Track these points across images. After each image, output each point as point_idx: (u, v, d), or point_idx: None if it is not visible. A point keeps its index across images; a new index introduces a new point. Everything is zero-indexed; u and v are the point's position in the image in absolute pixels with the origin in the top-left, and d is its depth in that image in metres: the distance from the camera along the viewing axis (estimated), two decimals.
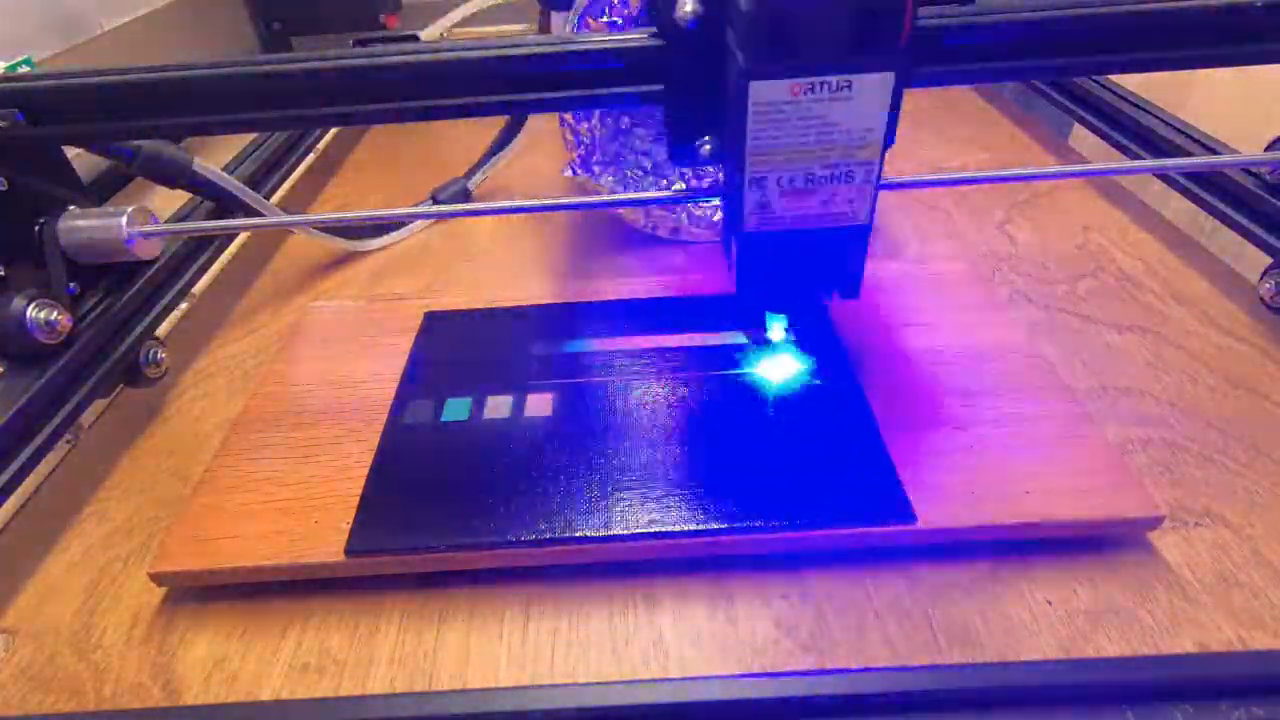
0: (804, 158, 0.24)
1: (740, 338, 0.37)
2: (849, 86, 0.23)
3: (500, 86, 0.28)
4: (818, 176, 0.25)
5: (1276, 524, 0.30)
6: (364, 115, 0.29)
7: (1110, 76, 0.54)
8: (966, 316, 0.38)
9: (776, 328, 0.33)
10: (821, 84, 0.23)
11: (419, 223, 0.54)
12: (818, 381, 0.34)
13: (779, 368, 0.35)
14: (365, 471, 0.31)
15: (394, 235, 0.52)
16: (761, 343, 0.35)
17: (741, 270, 0.28)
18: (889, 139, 0.25)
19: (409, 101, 0.28)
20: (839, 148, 0.24)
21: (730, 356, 0.36)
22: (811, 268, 0.28)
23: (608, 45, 0.27)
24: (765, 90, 0.23)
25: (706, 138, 0.27)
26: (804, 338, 0.37)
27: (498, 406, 0.34)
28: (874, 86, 0.23)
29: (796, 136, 0.24)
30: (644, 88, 0.27)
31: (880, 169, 0.25)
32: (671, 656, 0.27)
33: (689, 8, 0.24)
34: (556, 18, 0.47)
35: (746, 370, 0.35)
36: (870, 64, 0.22)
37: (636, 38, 0.27)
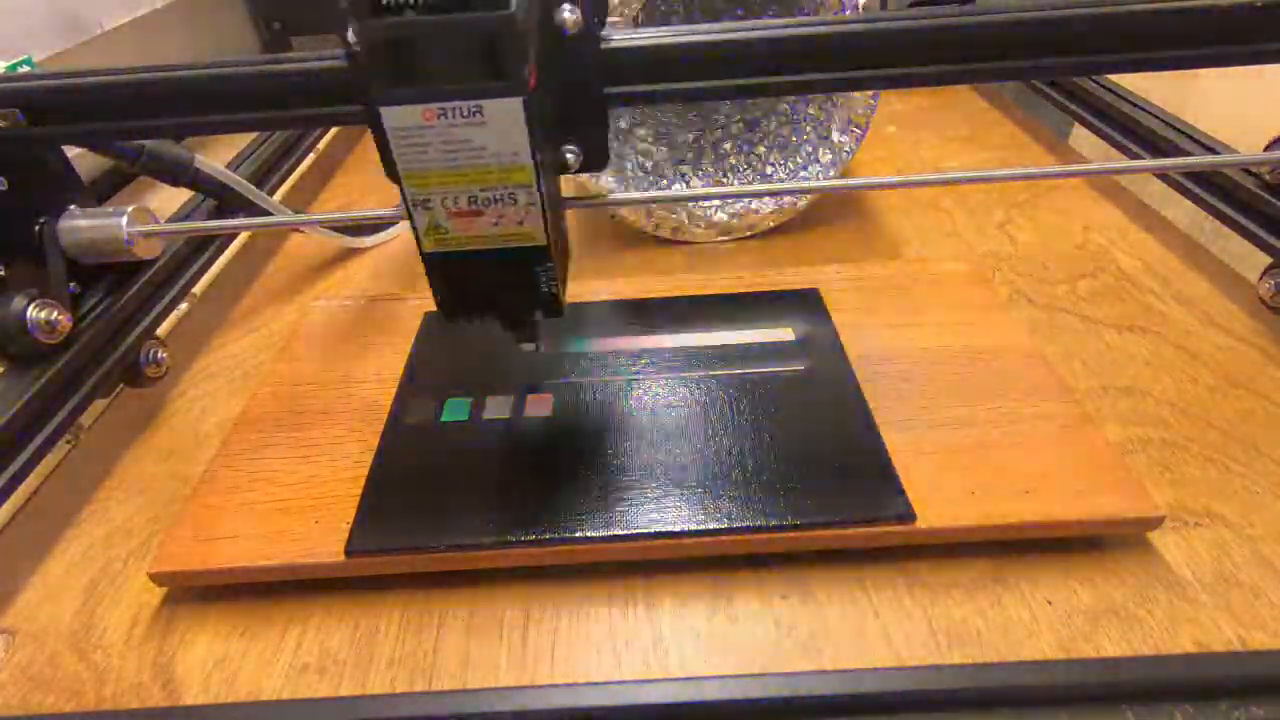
0: (460, 180, 0.24)
1: (740, 338, 0.37)
2: (480, 112, 0.23)
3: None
4: (481, 198, 0.25)
5: (1276, 524, 0.30)
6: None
7: (1110, 76, 0.54)
8: (966, 316, 0.38)
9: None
10: (452, 109, 0.23)
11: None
12: (818, 381, 0.34)
13: (780, 368, 0.35)
14: (365, 471, 0.31)
15: (391, 231, 0.53)
16: (752, 342, 0.35)
17: (437, 292, 0.28)
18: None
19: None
20: (493, 170, 0.24)
21: (731, 357, 0.36)
22: (507, 286, 0.28)
23: (306, 68, 0.27)
24: (398, 115, 0.23)
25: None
26: (805, 338, 0.37)
27: (498, 406, 0.34)
28: (505, 111, 0.23)
29: (445, 159, 0.24)
30: (342, 109, 0.28)
31: (544, 190, 0.25)
32: (671, 656, 0.27)
33: (350, 37, 0.24)
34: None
35: (747, 370, 0.35)
36: (494, 90, 0.22)
37: (328, 60, 0.27)
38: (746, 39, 0.27)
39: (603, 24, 0.26)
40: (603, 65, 0.26)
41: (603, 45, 0.26)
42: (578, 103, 0.27)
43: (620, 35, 0.27)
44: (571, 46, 0.25)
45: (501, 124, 0.23)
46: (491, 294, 0.28)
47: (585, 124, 0.27)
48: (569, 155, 0.28)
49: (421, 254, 0.27)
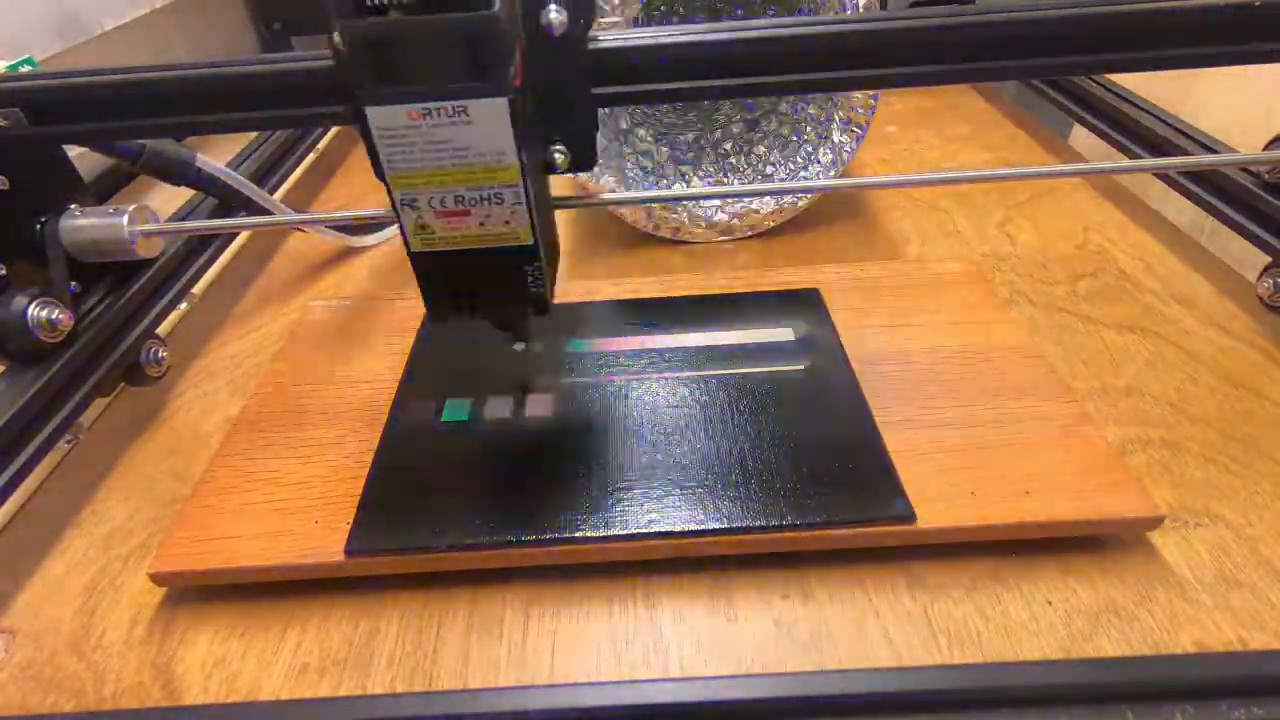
0: (447, 179, 0.24)
1: (740, 338, 0.37)
2: (465, 112, 0.23)
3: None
4: (467, 197, 0.25)
5: (1276, 524, 0.30)
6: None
7: (1110, 76, 0.54)
8: (966, 316, 0.38)
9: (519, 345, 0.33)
10: (437, 109, 0.23)
11: None
12: (818, 381, 0.34)
13: (780, 368, 0.35)
14: (365, 471, 0.31)
15: (391, 231, 0.53)
16: (752, 342, 0.35)
17: (424, 290, 0.28)
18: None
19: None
20: (479, 169, 0.24)
21: (731, 357, 0.36)
22: (494, 286, 0.28)
23: (305, 68, 0.27)
24: (384, 115, 0.23)
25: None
26: (805, 338, 0.37)
27: (498, 406, 0.34)
28: (490, 110, 0.23)
29: (430, 159, 0.24)
30: (329, 109, 0.28)
31: (530, 190, 0.25)
32: (671, 656, 0.27)
33: (335, 37, 0.24)
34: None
35: (747, 370, 0.35)
36: (478, 90, 0.22)
37: (315, 60, 0.27)
38: (733, 39, 0.27)
39: (589, 25, 0.26)
40: (589, 66, 0.26)
41: (589, 46, 0.26)
42: (565, 103, 0.27)
43: (607, 36, 0.27)
44: (557, 47, 0.25)
45: (487, 124, 0.23)
46: (479, 293, 0.28)
47: (572, 124, 0.27)
48: (557, 155, 0.28)
49: (409, 254, 0.27)
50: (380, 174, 0.25)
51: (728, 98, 0.50)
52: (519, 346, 0.32)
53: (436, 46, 0.22)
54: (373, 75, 0.22)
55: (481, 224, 0.26)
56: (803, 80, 0.28)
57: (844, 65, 0.28)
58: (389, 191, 0.25)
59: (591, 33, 0.26)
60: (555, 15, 0.24)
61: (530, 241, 0.26)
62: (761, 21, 0.27)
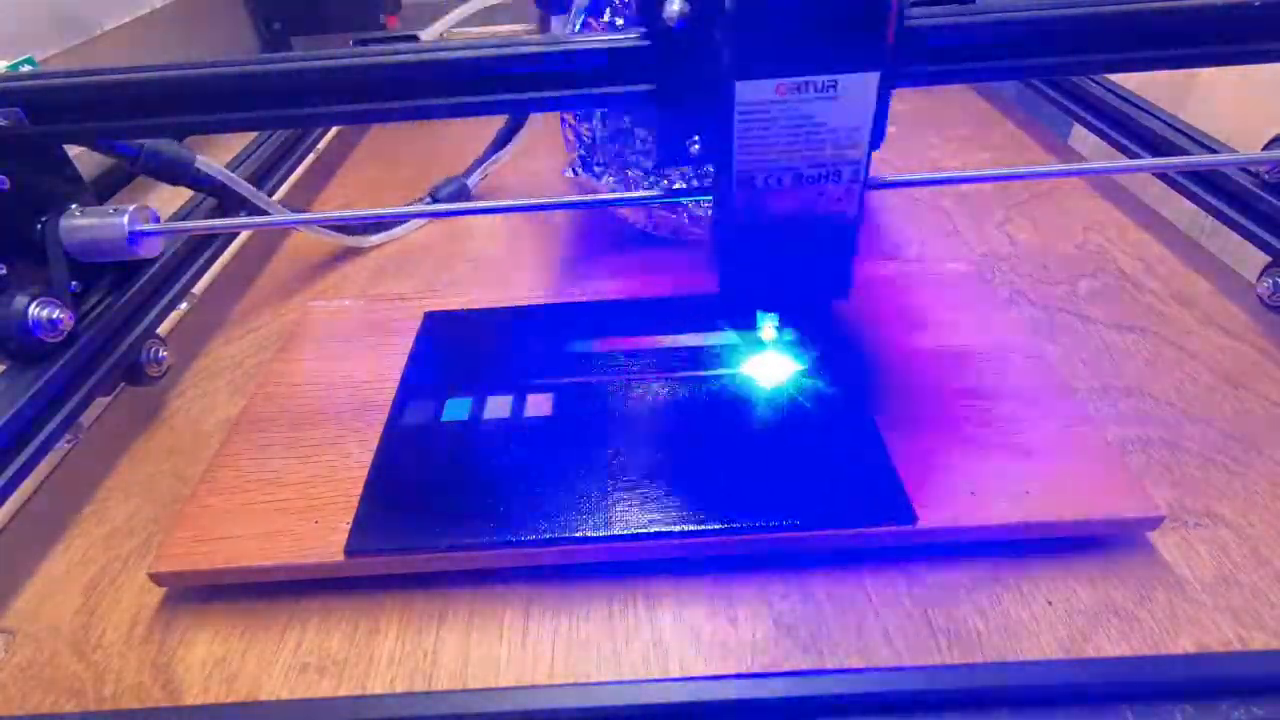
0: (791, 157, 0.24)
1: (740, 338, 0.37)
2: (834, 86, 0.23)
3: (496, 86, 0.28)
4: (805, 175, 0.25)
5: (1276, 524, 0.30)
6: (364, 115, 0.29)
7: (1110, 76, 0.54)
8: (966, 316, 0.38)
9: (768, 327, 0.33)
10: (807, 84, 0.23)
11: (418, 221, 0.54)
12: (817, 382, 0.34)
13: (780, 368, 0.35)
14: (365, 471, 0.31)
15: (393, 232, 0.53)
16: (751, 342, 0.35)
17: (728, 269, 0.28)
18: (879, 137, 0.25)
19: (409, 101, 0.28)
20: (826, 146, 0.24)
21: (731, 357, 0.36)
22: (799, 267, 0.28)
23: (597, 45, 0.27)
24: (751, 90, 0.23)
25: (696, 137, 0.27)
26: (804, 338, 0.37)
27: (498, 406, 0.34)
28: (860, 86, 0.23)
29: (783, 136, 0.24)
30: (634, 87, 0.27)
31: (868, 167, 0.25)
32: (671, 656, 0.27)
33: (675, 7, 0.24)
34: (555, 20, 0.47)
35: (747, 370, 0.35)
36: (855, 64, 0.22)
37: (627, 38, 0.27)
38: None
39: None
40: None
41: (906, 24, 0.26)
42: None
43: (919, 13, 0.26)
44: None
45: (853, 99, 0.23)
46: (786, 273, 0.28)
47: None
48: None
49: (723, 230, 0.26)
50: (721, 151, 0.24)
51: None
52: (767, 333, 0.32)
53: (819, 20, 0.21)
54: (748, 48, 0.22)
55: (812, 202, 0.25)
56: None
57: None
58: (722, 170, 0.25)
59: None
60: None
61: (854, 220, 0.26)
62: None
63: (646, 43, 0.26)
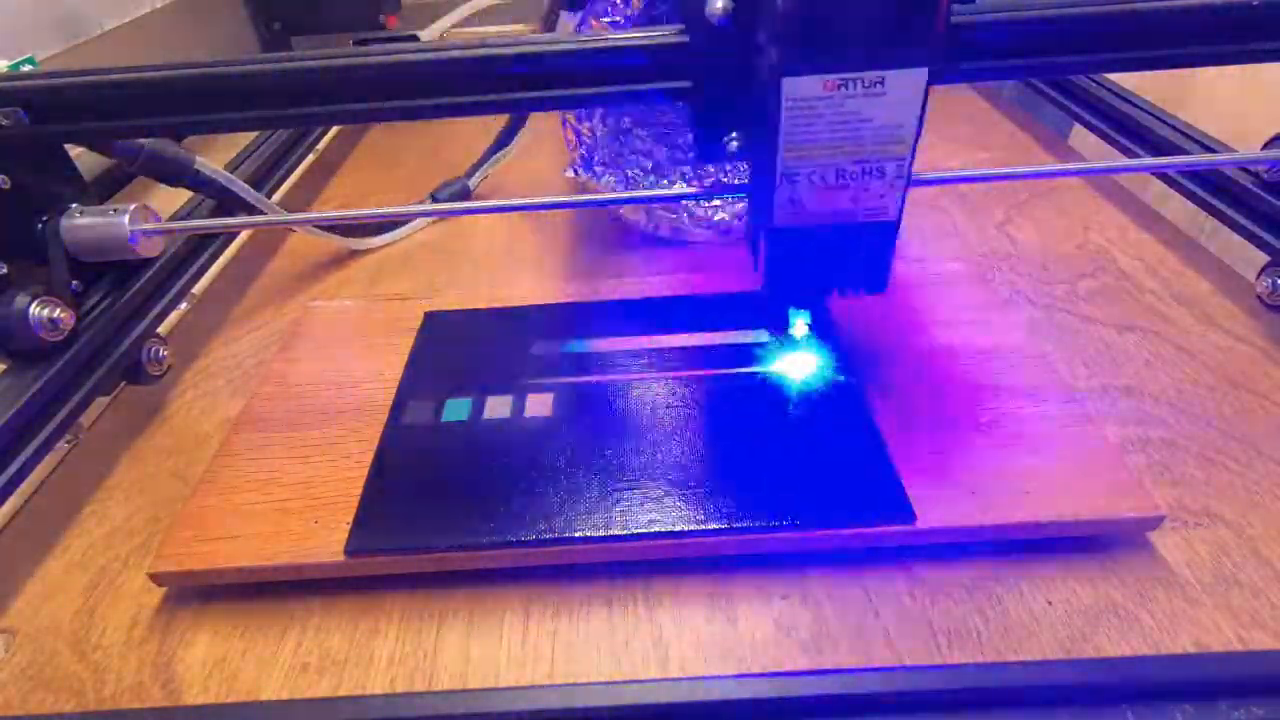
0: (836, 153, 0.24)
1: (740, 338, 0.37)
2: (882, 83, 0.23)
3: (511, 84, 0.28)
4: (849, 172, 0.25)
5: (1276, 524, 0.30)
6: (364, 115, 0.29)
7: (1110, 76, 0.54)
8: (966, 316, 0.38)
9: (800, 324, 0.33)
10: (855, 80, 0.23)
11: (419, 221, 0.54)
12: (818, 382, 0.34)
13: (780, 368, 0.35)
14: (365, 472, 0.31)
15: (394, 234, 0.53)
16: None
17: (770, 266, 0.28)
18: (918, 133, 0.25)
19: (409, 101, 0.28)
20: (871, 143, 0.24)
21: (731, 356, 0.36)
22: (839, 263, 0.28)
23: (634, 43, 0.27)
24: (798, 86, 0.23)
25: (734, 134, 0.27)
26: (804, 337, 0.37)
27: (498, 406, 0.34)
28: (907, 83, 0.23)
29: (829, 132, 0.24)
30: (670, 84, 0.27)
31: (911, 164, 0.25)
32: (671, 656, 0.27)
33: (720, 4, 0.23)
34: (567, 17, 0.47)
35: (747, 370, 0.35)
36: (904, 60, 0.22)
37: (664, 34, 0.26)
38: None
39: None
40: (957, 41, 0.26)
41: (953, 19, 0.26)
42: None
43: (964, 10, 0.26)
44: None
45: (900, 96, 0.23)
46: (826, 271, 0.28)
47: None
48: None
49: (768, 228, 0.26)
50: (765, 149, 0.24)
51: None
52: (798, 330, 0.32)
53: (869, 17, 0.22)
54: (797, 45, 0.22)
55: (854, 199, 0.25)
56: None
57: None
58: (766, 167, 0.25)
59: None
60: None
61: (894, 218, 0.26)
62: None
63: (684, 39, 0.26)
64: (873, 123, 0.24)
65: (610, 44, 0.27)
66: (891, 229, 0.27)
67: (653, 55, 0.27)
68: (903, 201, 0.26)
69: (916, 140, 0.24)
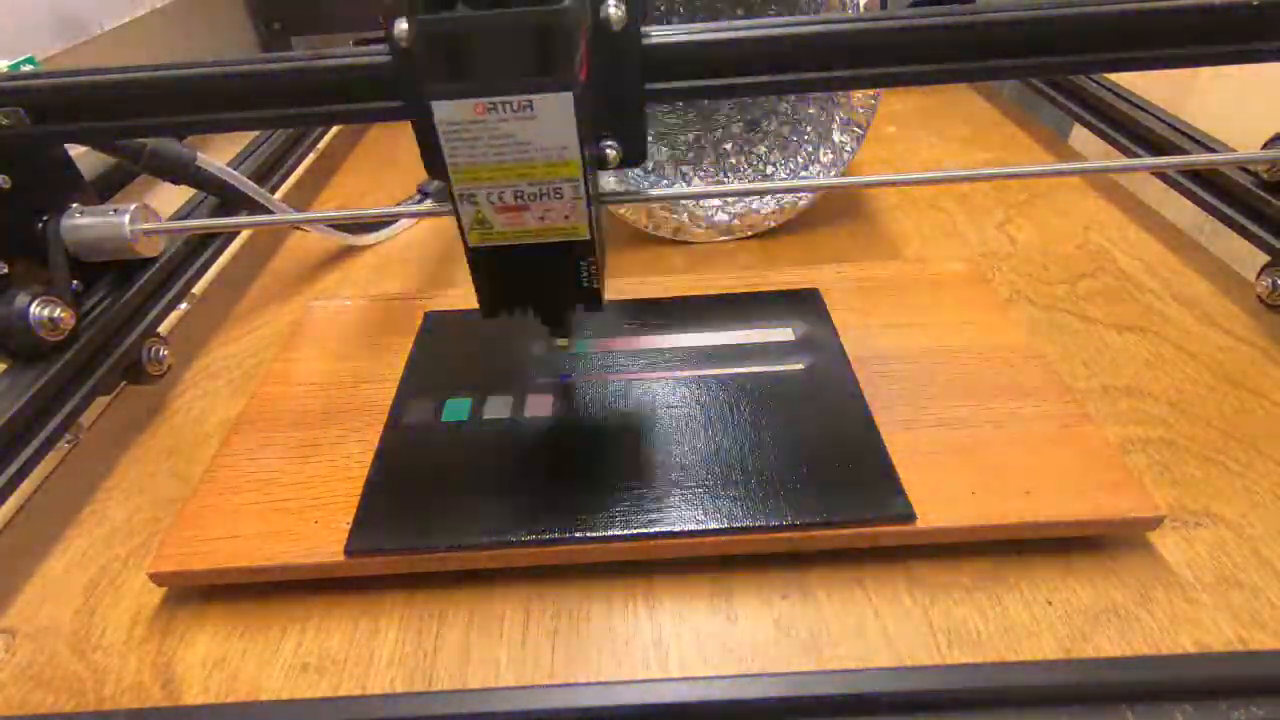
0: (507, 174, 0.24)
1: (741, 338, 0.37)
2: (530, 106, 0.23)
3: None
4: (526, 193, 0.25)
5: (1276, 524, 0.30)
6: (364, 115, 0.29)
7: (1110, 76, 0.54)
8: (966, 316, 0.38)
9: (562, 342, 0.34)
10: (503, 103, 0.23)
11: (417, 218, 0.54)
12: (818, 382, 0.34)
13: (779, 367, 0.35)
14: (365, 471, 0.31)
15: (391, 230, 0.53)
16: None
17: (478, 286, 0.28)
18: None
19: (409, 101, 0.28)
20: (539, 165, 0.24)
21: (730, 357, 0.36)
22: (549, 281, 0.28)
23: (345, 64, 0.27)
24: (449, 110, 0.23)
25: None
26: (804, 337, 0.37)
27: (498, 406, 0.34)
28: (555, 105, 0.23)
29: (493, 154, 0.24)
30: (384, 104, 0.28)
31: (589, 185, 0.25)
32: (671, 656, 0.27)
33: (400, 29, 0.24)
34: None
35: (747, 370, 0.35)
36: (545, 84, 0.22)
37: (372, 55, 0.27)
38: (782, 35, 0.27)
39: (645, 19, 0.26)
40: (643, 61, 0.27)
41: (644, 41, 0.26)
42: (618, 98, 0.27)
43: (660, 31, 0.27)
44: (614, 43, 0.25)
45: (551, 118, 0.23)
46: (534, 289, 0.29)
47: (624, 119, 0.28)
48: (609, 150, 0.28)
49: (466, 249, 0.27)
50: (438, 169, 0.25)
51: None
52: (561, 343, 0.33)
53: (507, 41, 0.22)
54: (441, 70, 0.22)
55: (541, 219, 0.26)
56: (808, 79, 0.28)
57: (844, 64, 0.28)
58: (449, 187, 0.25)
59: (645, 28, 0.27)
60: (614, 10, 0.25)
61: (587, 236, 0.26)
62: (786, 20, 0.27)
63: (387, 60, 0.27)
64: (534, 144, 0.24)
65: (326, 64, 0.28)
66: (587, 247, 0.27)
67: (369, 74, 0.27)
68: (592, 221, 0.26)
69: (586, 159, 0.24)
